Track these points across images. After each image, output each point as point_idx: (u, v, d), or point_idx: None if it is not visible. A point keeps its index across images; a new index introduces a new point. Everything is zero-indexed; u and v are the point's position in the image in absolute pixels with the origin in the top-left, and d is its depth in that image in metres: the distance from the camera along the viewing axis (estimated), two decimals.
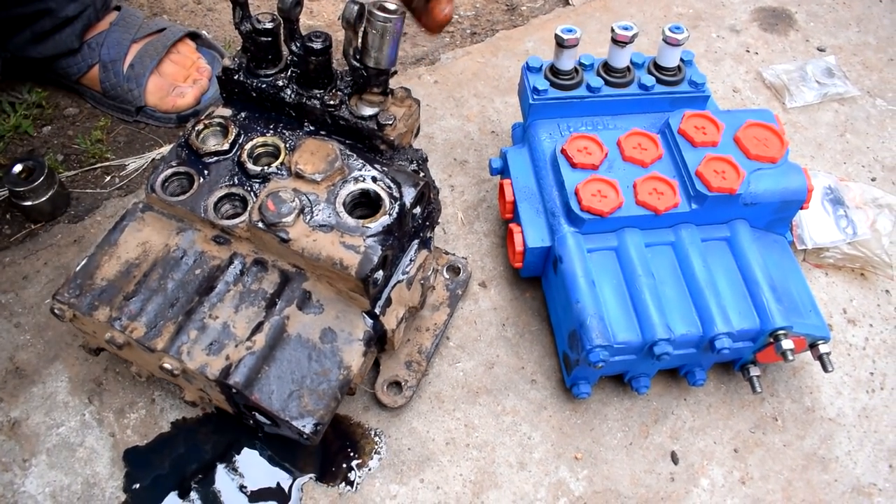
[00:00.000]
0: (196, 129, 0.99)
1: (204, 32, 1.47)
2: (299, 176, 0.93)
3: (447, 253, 1.19)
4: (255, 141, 0.98)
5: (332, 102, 0.98)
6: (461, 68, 1.52)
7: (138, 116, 1.39)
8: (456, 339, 1.14)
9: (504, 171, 1.18)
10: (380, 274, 0.90)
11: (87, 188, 1.30)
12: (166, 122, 1.39)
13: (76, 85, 1.40)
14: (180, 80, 1.38)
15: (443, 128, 1.41)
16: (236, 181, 0.95)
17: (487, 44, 1.58)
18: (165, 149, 1.35)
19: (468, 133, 1.40)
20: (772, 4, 1.69)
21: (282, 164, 0.96)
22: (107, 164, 1.33)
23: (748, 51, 1.59)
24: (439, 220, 1.13)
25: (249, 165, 0.95)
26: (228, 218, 0.93)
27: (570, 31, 1.09)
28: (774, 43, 1.61)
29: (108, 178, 1.32)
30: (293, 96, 1.00)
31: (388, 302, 0.95)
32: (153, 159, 1.34)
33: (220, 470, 1.01)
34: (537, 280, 1.18)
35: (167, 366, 0.87)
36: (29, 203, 1.21)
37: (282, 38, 0.99)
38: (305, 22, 1.59)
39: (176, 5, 1.64)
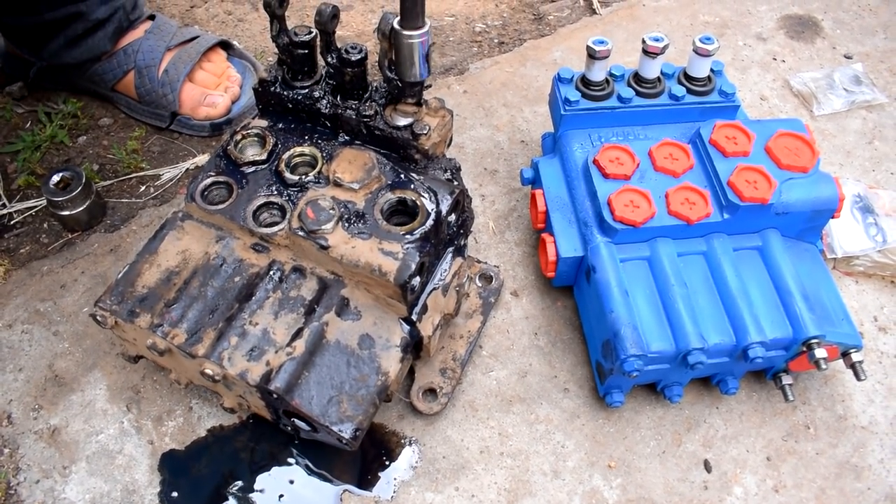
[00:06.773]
0: (234, 139, 1.01)
1: (235, 42, 1.48)
2: (337, 184, 0.94)
3: (479, 261, 1.20)
4: (292, 151, 0.99)
5: (367, 113, 0.99)
6: (490, 78, 1.53)
7: (172, 125, 1.41)
8: (489, 348, 1.14)
9: (535, 182, 1.18)
10: (417, 280, 0.91)
11: (122, 198, 1.32)
12: (200, 131, 1.41)
13: (111, 93, 1.43)
14: (212, 88, 1.40)
15: (473, 137, 1.42)
16: (274, 190, 0.97)
17: (515, 53, 1.59)
18: (199, 158, 1.37)
19: (498, 143, 1.41)
20: (798, 12, 1.69)
21: (319, 173, 0.97)
22: (142, 173, 1.35)
23: (775, 59, 1.59)
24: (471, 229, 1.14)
25: (287, 175, 0.97)
26: (267, 226, 0.95)
27: (601, 42, 1.10)
28: (801, 51, 1.61)
29: (143, 188, 1.34)
30: (329, 107, 1.01)
31: (425, 309, 0.96)
32: (187, 169, 1.35)
33: (258, 477, 1.02)
34: (569, 289, 1.19)
35: (208, 371, 0.88)
36: (66, 213, 1.23)
37: (318, 50, 1.00)
38: None
39: (207, 16, 1.66)
